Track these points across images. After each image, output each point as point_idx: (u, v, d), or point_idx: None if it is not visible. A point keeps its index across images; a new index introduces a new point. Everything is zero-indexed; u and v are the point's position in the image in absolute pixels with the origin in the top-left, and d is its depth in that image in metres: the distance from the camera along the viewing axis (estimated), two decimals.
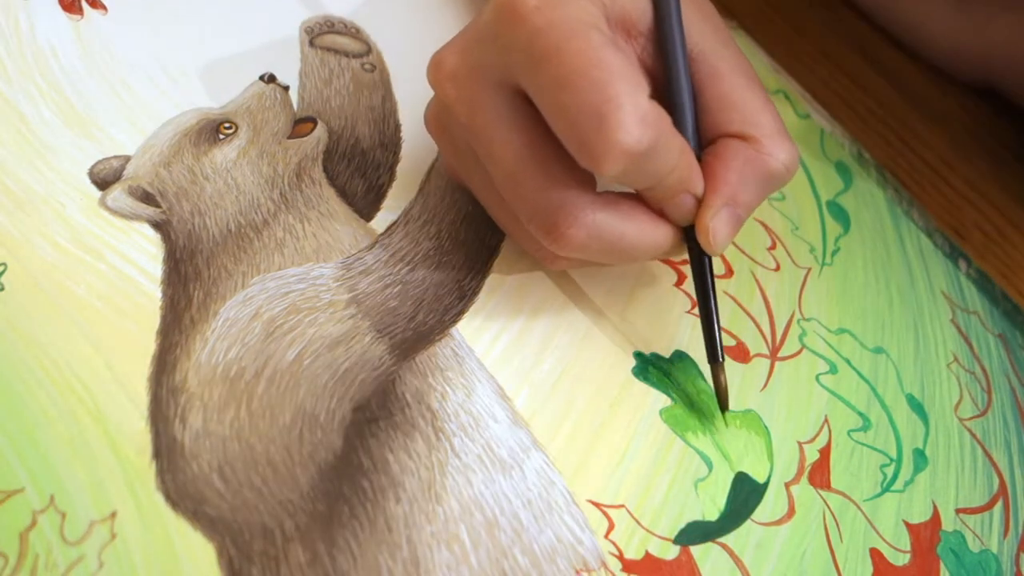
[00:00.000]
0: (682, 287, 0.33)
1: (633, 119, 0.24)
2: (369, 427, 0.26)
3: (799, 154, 0.29)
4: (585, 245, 0.27)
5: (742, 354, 0.32)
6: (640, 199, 0.28)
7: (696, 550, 0.27)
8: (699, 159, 0.28)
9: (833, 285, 0.36)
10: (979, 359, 0.36)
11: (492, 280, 0.31)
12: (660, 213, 0.28)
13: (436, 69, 0.28)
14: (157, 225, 0.29)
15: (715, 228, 0.27)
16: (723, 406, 0.29)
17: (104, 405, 0.25)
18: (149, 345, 0.26)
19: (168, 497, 0.24)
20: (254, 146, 0.32)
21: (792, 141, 0.28)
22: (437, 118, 0.30)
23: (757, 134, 0.28)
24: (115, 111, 0.31)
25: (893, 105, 0.47)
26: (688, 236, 0.28)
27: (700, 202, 0.27)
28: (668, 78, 0.28)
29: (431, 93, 0.29)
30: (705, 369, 0.31)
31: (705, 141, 0.29)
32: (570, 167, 0.26)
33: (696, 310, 0.32)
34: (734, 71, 0.29)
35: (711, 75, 0.29)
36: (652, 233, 0.28)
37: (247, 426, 0.25)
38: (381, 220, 0.31)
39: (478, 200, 0.31)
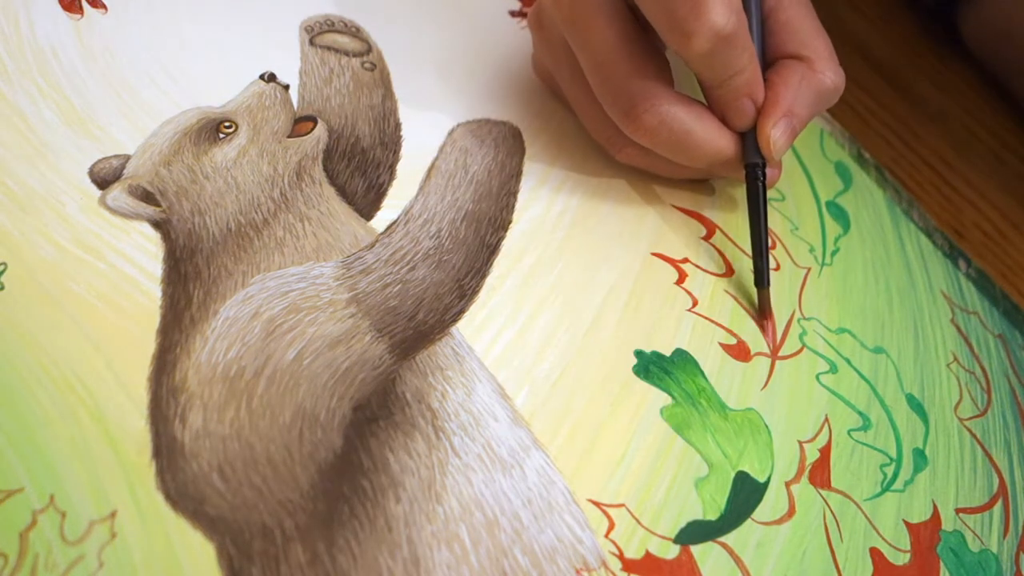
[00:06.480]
0: (683, 285, 0.33)
1: (723, 4, 0.28)
2: (369, 426, 0.26)
3: (844, 78, 0.33)
4: (656, 131, 0.31)
5: (743, 353, 0.32)
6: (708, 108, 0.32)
7: (696, 549, 0.27)
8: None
9: (833, 285, 0.36)
10: (979, 359, 0.36)
11: (492, 279, 0.31)
12: (722, 118, 0.32)
13: None
14: (157, 224, 0.29)
15: (775, 136, 0.31)
16: (764, 316, 0.33)
17: (104, 405, 0.25)
18: (149, 344, 0.26)
19: (168, 496, 0.24)
20: (254, 145, 0.32)
21: (839, 66, 0.33)
22: (538, 15, 0.34)
23: (812, 56, 0.32)
24: (115, 110, 0.31)
25: (893, 105, 0.47)
26: (746, 150, 0.32)
27: (760, 111, 0.32)
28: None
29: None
30: (705, 368, 0.31)
31: (766, 62, 0.33)
32: (655, 62, 0.31)
33: (697, 308, 0.32)
34: (796, 2, 0.33)
35: (776, 3, 0.33)
36: (717, 137, 0.32)
37: (247, 425, 0.25)
38: (381, 219, 0.31)
39: (562, 94, 0.35)
